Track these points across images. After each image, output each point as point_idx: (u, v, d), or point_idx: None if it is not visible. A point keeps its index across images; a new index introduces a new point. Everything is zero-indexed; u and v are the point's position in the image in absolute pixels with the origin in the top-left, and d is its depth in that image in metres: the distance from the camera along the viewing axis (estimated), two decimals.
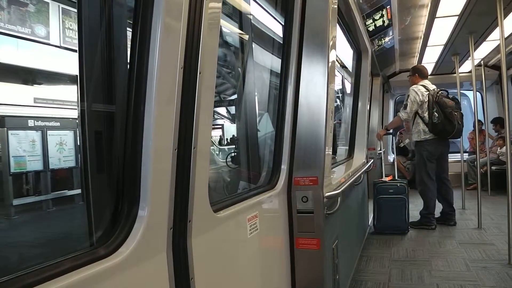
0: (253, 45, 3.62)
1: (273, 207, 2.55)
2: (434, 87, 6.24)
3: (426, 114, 6.06)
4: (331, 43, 2.85)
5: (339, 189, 2.85)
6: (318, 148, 2.68)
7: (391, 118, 11.25)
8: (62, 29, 10.22)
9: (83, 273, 1.12)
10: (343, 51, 5.70)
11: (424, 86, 6.19)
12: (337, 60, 5.48)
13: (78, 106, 1.50)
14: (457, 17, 5.65)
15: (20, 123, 10.08)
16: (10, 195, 9.59)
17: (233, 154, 3.61)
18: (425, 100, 6.08)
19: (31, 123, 10.36)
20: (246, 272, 2.16)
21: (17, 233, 8.29)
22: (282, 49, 2.90)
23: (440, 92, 6.10)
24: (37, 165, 10.34)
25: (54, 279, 1.05)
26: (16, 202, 9.67)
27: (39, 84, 11.43)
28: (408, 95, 6.27)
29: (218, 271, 1.82)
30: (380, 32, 5.94)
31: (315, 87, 2.76)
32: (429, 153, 6.15)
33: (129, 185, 1.38)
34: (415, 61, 8.86)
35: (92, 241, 1.42)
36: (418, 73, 6.44)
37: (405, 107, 6.28)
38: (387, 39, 6.55)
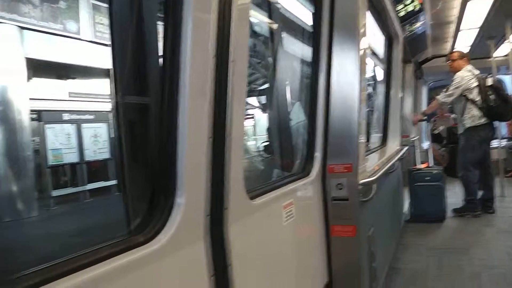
0: (282, 34, 3.59)
1: (307, 194, 2.54)
2: (478, 71, 6.06)
3: (478, 99, 5.89)
4: (362, 29, 2.80)
5: (374, 176, 2.81)
6: (352, 135, 2.65)
7: (424, 105, 11.01)
8: (92, 24, 10.38)
9: (121, 260, 1.15)
10: (374, 37, 5.60)
11: (470, 71, 6.02)
12: (368, 46, 5.38)
13: (112, 99, 1.52)
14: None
15: (55, 117, 10.34)
16: (48, 187, 9.86)
17: (266, 144, 3.60)
18: (474, 85, 5.92)
19: (66, 116, 10.61)
20: (282, 259, 2.16)
21: (57, 223, 8.52)
22: (312, 37, 2.87)
23: (487, 76, 5.94)
24: (73, 157, 10.60)
25: (94, 265, 1.08)
26: (54, 193, 9.95)
27: (73, 78, 11.66)
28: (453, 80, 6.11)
29: (254, 258, 1.83)
30: (411, 17, 5.79)
31: (347, 74, 2.72)
32: (481, 138, 5.97)
33: (166, 174, 1.40)
34: (448, 46, 8.64)
35: (130, 229, 1.44)
36: (467, 57, 6.24)
37: (447, 91, 6.13)
38: (418, 24, 6.38)
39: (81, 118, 10.86)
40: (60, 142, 10.28)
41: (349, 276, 2.71)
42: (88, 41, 10.26)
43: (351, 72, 2.70)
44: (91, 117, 11.12)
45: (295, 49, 3.64)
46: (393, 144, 5.80)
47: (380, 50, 6.13)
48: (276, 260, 2.09)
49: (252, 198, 1.81)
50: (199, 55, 1.41)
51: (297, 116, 3.43)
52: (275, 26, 3.55)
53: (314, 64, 2.80)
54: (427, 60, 10.20)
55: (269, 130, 3.79)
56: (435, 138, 10.40)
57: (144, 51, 1.54)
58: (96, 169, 11.14)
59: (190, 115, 1.37)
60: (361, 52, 2.76)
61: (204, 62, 1.43)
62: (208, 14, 1.44)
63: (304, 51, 3.47)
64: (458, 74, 6.07)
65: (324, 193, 2.68)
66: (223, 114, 1.52)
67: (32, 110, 9.57)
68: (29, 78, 9.59)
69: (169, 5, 1.40)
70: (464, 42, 8.09)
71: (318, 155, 2.67)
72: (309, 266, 2.53)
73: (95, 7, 10.43)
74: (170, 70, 1.39)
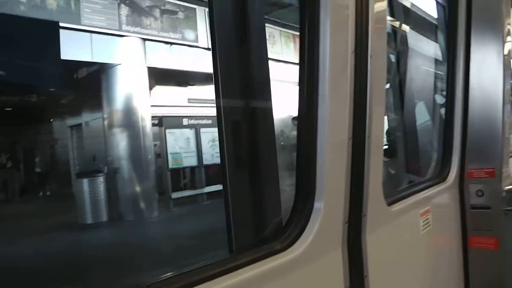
0: (406, 29, 3.38)
1: (444, 201, 2.34)
2: None
3: None
4: (506, 19, 2.51)
5: None
6: (495, 136, 2.38)
7: None
8: (209, 32, 10.79)
9: (260, 268, 1.11)
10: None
11: None
12: None
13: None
14: None
15: (176, 122, 10.93)
16: (169, 189, 10.41)
17: (391, 146, 3.40)
18: None
19: (185, 122, 11.14)
20: (418, 271, 2.00)
21: (180, 225, 8.87)
22: (446, 31, 2.64)
23: None
24: (192, 161, 11.09)
25: (232, 272, 1.04)
26: (174, 195, 10.47)
27: (192, 85, 12.25)
28: None
29: (391, 269, 1.70)
30: None
31: (489, 68, 2.45)
32: None
33: (305, 177, 1.33)
34: None
35: (265, 235, 1.40)
36: None
37: None
38: None
39: (199, 123, 11.34)
40: (179, 146, 10.82)
41: None
42: (206, 48, 10.69)
43: (493, 65, 2.43)
44: (209, 122, 11.55)
45: (421, 45, 3.41)
46: None
47: None
48: (412, 272, 1.94)
49: (389, 204, 1.68)
50: (339, 50, 1.33)
51: (424, 116, 3.20)
52: (396, 23, 3.36)
53: (449, 60, 2.56)
54: None
55: (389, 132, 3.58)
56: None
57: (250, 53, 1.47)
58: (214, 173, 11.54)
59: (330, 113, 1.29)
60: (506, 41, 2.47)
61: (343, 58, 1.34)
62: (346, 9, 1.35)
63: (432, 46, 3.24)
64: None
65: (462, 200, 2.44)
66: (363, 113, 1.42)
67: (153, 116, 10.20)
68: (151, 86, 10.24)
69: (306, 2, 1.33)
70: None
71: (455, 158, 2.44)
72: (445, 280, 2.33)
73: None
74: (309, 67, 1.32)
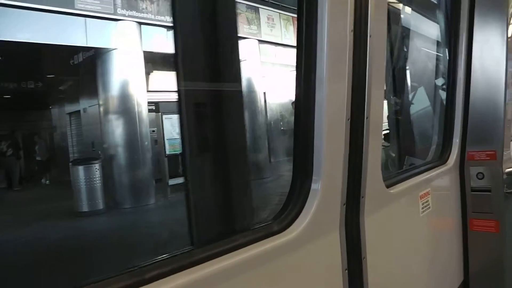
0: (407, 9, 3.32)
1: (444, 184, 2.32)
2: None
3: None
4: None
5: None
6: (497, 118, 2.35)
7: None
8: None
9: (257, 249, 1.08)
10: None
11: None
12: None
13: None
14: None
15: (172, 107, 10.80)
16: (166, 175, 10.34)
17: (392, 129, 3.37)
18: None
19: None
20: (417, 254, 1.99)
21: (177, 212, 8.85)
22: (449, 10, 2.59)
23: None
24: None
25: (229, 253, 1.02)
26: (171, 182, 10.41)
27: None
28: None
29: (389, 252, 1.69)
30: None
31: (492, 50, 2.40)
32: None
33: (302, 158, 1.29)
34: None
35: (260, 218, 1.37)
36: None
37: None
38: None
39: None
40: (177, 132, 10.71)
41: (488, 276, 2.43)
42: None
43: (497, 49, 2.38)
44: None
45: (423, 26, 3.35)
46: None
47: None
48: (411, 254, 1.92)
49: (388, 186, 1.65)
50: (337, 29, 1.28)
51: (424, 99, 3.16)
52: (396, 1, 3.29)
53: (452, 40, 2.51)
54: None
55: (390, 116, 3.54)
56: None
57: (217, 29, 1.36)
58: None
59: (328, 92, 1.25)
60: (511, 26, 2.44)
61: (341, 37, 1.30)
62: None
63: (434, 27, 3.18)
64: None
65: (462, 183, 2.42)
66: (361, 93, 1.38)
67: (150, 102, 10.12)
68: (148, 71, 10.14)
69: None
70: None
71: (456, 140, 2.41)
72: (444, 263, 2.31)
73: None
74: (306, 46, 1.27)
